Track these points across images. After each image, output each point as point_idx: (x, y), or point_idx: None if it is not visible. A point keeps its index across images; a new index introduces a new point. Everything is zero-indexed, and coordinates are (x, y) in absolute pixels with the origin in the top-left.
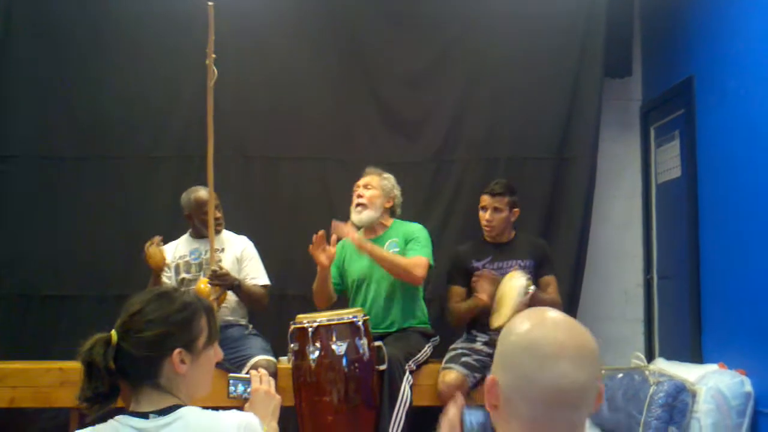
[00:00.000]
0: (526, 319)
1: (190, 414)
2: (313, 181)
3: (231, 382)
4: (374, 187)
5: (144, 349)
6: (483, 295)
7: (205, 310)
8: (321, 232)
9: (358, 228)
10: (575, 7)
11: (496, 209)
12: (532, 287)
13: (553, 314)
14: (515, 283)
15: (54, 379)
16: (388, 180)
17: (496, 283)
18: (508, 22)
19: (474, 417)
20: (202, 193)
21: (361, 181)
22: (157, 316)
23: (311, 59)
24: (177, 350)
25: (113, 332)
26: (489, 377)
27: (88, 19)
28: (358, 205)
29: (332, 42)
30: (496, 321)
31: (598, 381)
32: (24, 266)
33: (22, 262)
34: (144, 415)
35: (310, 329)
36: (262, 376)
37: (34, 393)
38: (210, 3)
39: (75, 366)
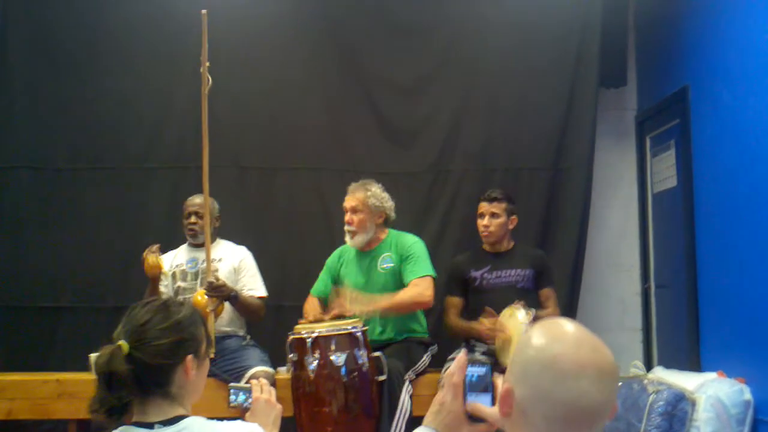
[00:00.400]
0: (545, 333)
1: (195, 424)
2: (308, 191)
3: (231, 391)
4: (361, 210)
5: (160, 357)
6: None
7: (201, 318)
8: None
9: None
10: (570, 17)
11: (493, 214)
12: (533, 315)
13: (573, 329)
14: (515, 322)
15: (51, 391)
16: (374, 196)
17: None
18: (504, 33)
19: (476, 370)
20: (189, 199)
21: (348, 204)
22: (170, 324)
23: (307, 69)
24: (189, 357)
25: (122, 342)
26: (504, 386)
27: (83, 29)
28: (348, 231)
29: (328, 52)
30: (506, 361)
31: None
32: (19, 277)
33: (17, 274)
34: (149, 426)
35: (308, 340)
36: (262, 386)
37: (32, 405)
38: (203, 11)
39: (72, 377)
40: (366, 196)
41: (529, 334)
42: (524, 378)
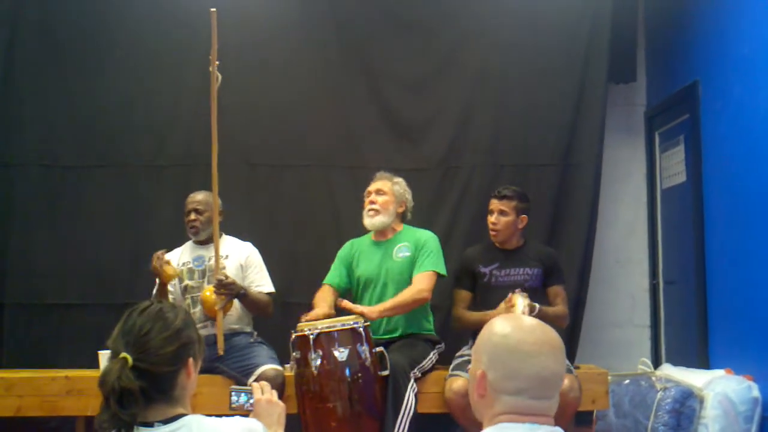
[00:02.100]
0: (506, 324)
1: (193, 422)
2: (317, 188)
3: (233, 393)
4: (386, 193)
5: (166, 365)
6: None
7: (192, 318)
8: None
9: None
10: (580, 13)
11: (501, 212)
12: (536, 308)
13: (526, 319)
14: (515, 308)
15: (60, 388)
16: (400, 185)
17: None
18: (513, 28)
19: None
20: (190, 196)
21: (373, 187)
22: (171, 332)
23: (316, 66)
24: (190, 359)
25: (126, 355)
26: (478, 372)
27: (91, 29)
28: (370, 210)
29: (336, 49)
30: None
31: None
32: (28, 275)
33: (26, 271)
34: (149, 425)
35: (311, 336)
36: (263, 387)
37: (41, 402)
38: (212, 9)
39: (81, 374)
40: (393, 182)
41: (493, 326)
42: (495, 362)
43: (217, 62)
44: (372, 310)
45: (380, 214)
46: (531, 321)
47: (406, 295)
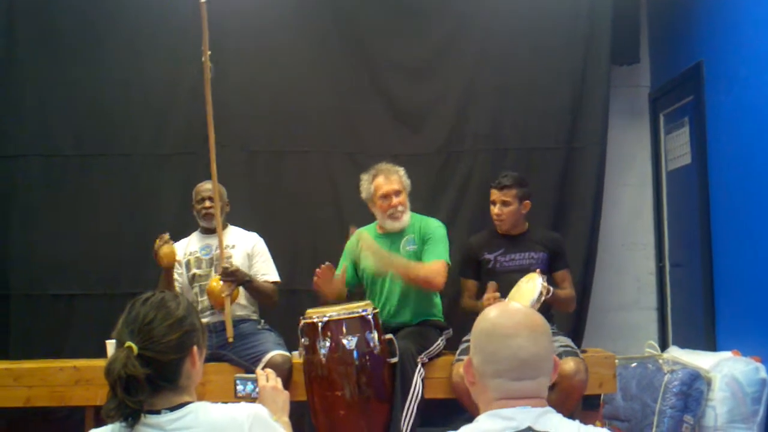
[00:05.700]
0: (494, 310)
1: (200, 408)
2: (318, 174)
3: (238, 382)
4: (402, 191)
5: (171, 353)
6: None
7: (195, 307)
8: (328, 265)
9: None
10: None
11: (504, 203)
12: (551, 290)
13: (515, 305)
14: (532, 286)
15: (68, 378)
16: (405, 175)
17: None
18: (514, 11)
19: None
20: (200, 185)
21: (390, 187)
22: (174, 319)
23: (315, 52)
24: (194, 348)
25: (131, 344)
26: (465, 359)
27: (89, 20)
28: (395, 214)
29: (336, 34)
30: None
31: (553, 355)
32: (32, 265)
33: (29, 262)
34: (156, 412)
35: (319, 324)
36: (268, 375)
37: (50, 392)
38: (202, 1)
39: (89, 364)
40: (400, 176)
41: (484, 313)
42: (477, 347)
43: (209, 52)
44: (382, 265)
45: (405, 213)
46: (517, 306)
47: (421, 270)
